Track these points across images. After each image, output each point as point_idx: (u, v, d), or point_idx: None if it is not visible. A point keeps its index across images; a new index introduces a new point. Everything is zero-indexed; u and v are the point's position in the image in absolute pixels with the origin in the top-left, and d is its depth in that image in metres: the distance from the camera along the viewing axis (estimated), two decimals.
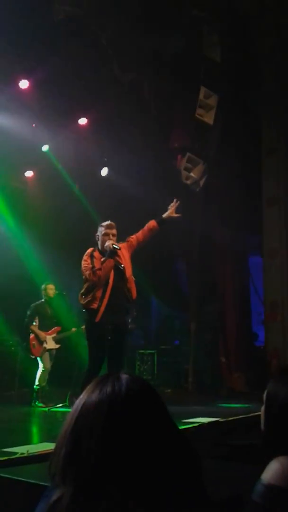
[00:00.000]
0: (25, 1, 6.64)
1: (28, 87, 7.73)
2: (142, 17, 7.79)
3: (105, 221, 5.42)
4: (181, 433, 1.11)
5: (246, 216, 9.90)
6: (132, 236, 5.47)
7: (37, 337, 7.69)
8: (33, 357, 7.69)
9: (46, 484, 1.09)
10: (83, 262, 5.17)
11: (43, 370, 7.57)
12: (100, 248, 5.27)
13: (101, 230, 5.32)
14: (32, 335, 7.72)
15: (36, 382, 7.51)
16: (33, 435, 5.36)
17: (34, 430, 5.85)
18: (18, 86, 7.68)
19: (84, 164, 9.56)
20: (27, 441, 4.40)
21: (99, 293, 5.08)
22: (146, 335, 11.60)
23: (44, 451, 3.34)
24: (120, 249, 5.19)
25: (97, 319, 5.05)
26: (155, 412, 1.08)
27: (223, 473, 2.86)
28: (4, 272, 8.31)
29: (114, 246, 5.12)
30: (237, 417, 5.31)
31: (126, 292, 5.24)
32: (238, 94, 9.19)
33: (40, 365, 7.62)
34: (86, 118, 8.85)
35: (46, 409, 6.93)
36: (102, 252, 5.20)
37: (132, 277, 5.32)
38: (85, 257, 5.18)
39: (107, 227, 5.30)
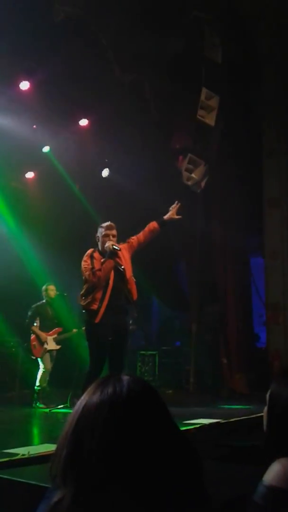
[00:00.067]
0: (25, 1, 6.63)
1: (29, 88, 7.73)
2: (143, 18, 7.79)
3: (106, 222, 5.42)
4: (182, 434, 1.11)
5: (247, 217, 9.90)
6: (132, 237, 5.46)
7: (38, 337, 7.69)
8: (34, 357, 7.69)
9: (47, 485, 1.09)
10: (83, 263, 5.17)
11: (43, 371, 7.57)
12: (100, 249, 5.27)
13: (101, 231, 5.32)
14: (33, 336, 7.72)
15: (37, 383, 7.51)
16: (34, 436, 5.35)
17: (35, 431, 5.84)
18: (19, 87, 7.69)
19: (85, 165, 9.57)
20: (28, 442, 4.40)
21: (99, 294, 5.08)
22: (147, 336, 11.59)
23: (45, 452, 3.34)
24: (120, 250, 5.18)
25: (97, 320, 5.04)
26: (156, 413, 1.07)
27: (225, 475, 2.85)
28: (5, 273, 8.32)
29: (114, 247, 5.11)
30: (238, 418, 5.30)
31: (126, 293, 5.24)
32: (239, 95, 9.19)
33: (41, 366, 7.62)
34: (87, 119, 8.86)
35: (47, 410, 6.93)
36: (102, 253, 5.20)
37: (133, 278, 5.32)
38: (85, 258, 5.18)
39: (107, 228, 5.30)
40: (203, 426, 4.73)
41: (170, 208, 5.60)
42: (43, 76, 7.56)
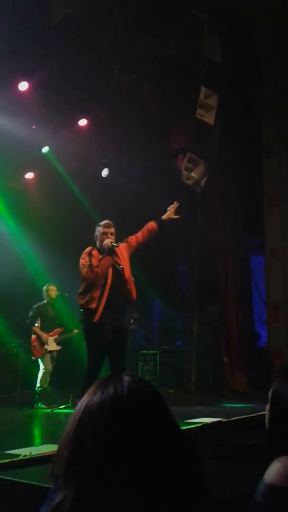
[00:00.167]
0: (23, 2, 6.63)
1: (28, 89, 7.73)
2: (142, 18, 7.79)
3: (104, 221, 5.43)
4: (183, 435, 1.11)
5: (248, 216, 9.91)
6: (131, 237, 5.47)
7: (38, 338, 7.69)
8: (34, 358, 7.69)
9: (48, 486, 1.09)
10: (81, 260, 5.15)
11: (44, 372, 7.57)
12: (98, 247, 5.27)
13: (99, 230, 5.32)
14: (33, 336, 7.72)
15: (38, 384, 7.51)
16: (35, 437, 5.35)
17: (37, 432, 5.84)
18: (18, 88, 7.69)
19: (85, 165, 9.57)
20: (29, 443, 4.39)
21: (97, 293, 5.07)
22: (148, 335, 11.60)
23: (46, 453, 3.34)
24: (118, 246, 5.18)
25: (96, 319, 5.02)
26: (157, 414, 1.07)
27: (226, 474, 2.86)
28: (5, 274, 8.31)
29: (113, 244, 5.12)
30: (240, 417, 5.30)
31: (126, 293, 5.23)
32: (238, 94, 9.20)
33: (41, 366, 7.62)
34: (86, 119, 8.86)
35: (49, 410, 6.93)
36: (101, 251, 5.20)
37: (132, 277, 5.31)
38: (83, 255, 5.17)
39: (105, 226, 5.30)
40: (205, 425, 4.74)
41: (168, 208, 5.60)
42: (42, 77, 7.56)
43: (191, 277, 10.20)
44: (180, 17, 8.25)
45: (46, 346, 7.65)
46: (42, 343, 7.65)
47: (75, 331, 7.77)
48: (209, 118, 8.39)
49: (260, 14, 8.80)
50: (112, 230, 5.28)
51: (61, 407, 6.90)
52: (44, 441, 4.62)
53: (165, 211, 5.63)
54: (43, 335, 7.68)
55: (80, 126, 8.91)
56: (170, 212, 5.58)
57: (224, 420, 5.10)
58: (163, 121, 8.90)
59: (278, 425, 1.54)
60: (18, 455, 3.30)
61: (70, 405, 6.72)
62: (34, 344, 7.69)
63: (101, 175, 9.65)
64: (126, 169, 9.34)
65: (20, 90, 7.72)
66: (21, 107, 7.87)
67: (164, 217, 5.57)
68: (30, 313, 7.79)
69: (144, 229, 5.51)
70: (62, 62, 7.51)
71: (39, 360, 7.64)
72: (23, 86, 7.70)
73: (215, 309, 9.76)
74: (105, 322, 5.05)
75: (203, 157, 8.54)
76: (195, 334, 9.72)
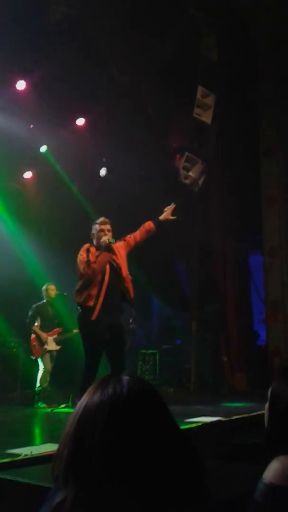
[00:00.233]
0: (21, 1, 6.62)
1: (25, 88, 7.72)
2: (139, 17, 7.79)
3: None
4: (182, 434, 1.11)
5: (246, 215, 9.91)
6: (129, 236, 5.47)
7: (38, 337, 7.69)
8: (34, 357, 7.69)
9: (49, 486, 1.09)
10: (78, 256, 5.14)
11: (43, 371, 7.57)
12: (96, 244, 5.26)
13: (95, 228, 5.33)
14: (33, 336, 7.72)
15: (37, 384, 7.51)
16: (35, 436, 5.36)
17: (37, 431, 5.85)
18: (15, 87, 7.68)
19: (83, 164, 9.56)
20: (30, 442, 4.40)
21: (94, 291, 5.05)
22: (148, 335, 11.60)
23: (47, 452, 3.34)
24: (115, 241, 5.19)
25: (94, 317, 5.01)
26: (156, 413, 1.08)
27: (226, 473, 2.86)
28: (5, 274, 8.31)
29: (110, 240, 5.13)
30: (240, 416, 5.31)
31: (124, 292, 5.23)
32: (235, 94, 9.19)
33: (41, 366, 7.62)
34: (84, 118, 8.85)
35: (49, 410, 6.93)
36: (98, 248, 5.19)
37: (129, 276, 5.31)
38: (81, 251, 5.16)
39: (101, 223, 5.31)
40: (205, 425, 4.75)
41: (165, 209, 5.61)
42: (40, 76, 7.55)
43: (190, 277, 10.21)
44: (177, 16, 8.25)
45: (45, 346, 7.65)
46: (42, 342, 7.66)
47: (75, 331, 7.75)
48: (207, 118, 8.39)
49: (258, 13, 8.80)
50: (109, 227, 5.29)
51: (61, 406, 6.91)
52: (44, 441, 4.63)
53: (163, 210, 5.63)
54: (43, 335, 7.68)
55: (78, 125, 8.90)
56: (167, 213, 5.58)
57: (224, 419, 5.11)
58: (161, 120, 8.89)
59: (277, 424, 1.54)
60: (19, 455, 3.30)
61: (70, 404, 6.74)
62: (34, 343, 7.70)
63: (99, 174, 9.64)
64: (124, 169, 9.34)
65: (17, 90, 7.71)
66: (19, 106, 7.86)
67: (161, 217, 5.57)
68: (30, 313, 7.79)
69: (142, 228, 5.51)
70: (59, 62, 7.50)
71: (39, 359, 7.65)
72: (21, 85, 7.69)
73: (215, 308, 9.76)
74: (102, 320, 5.03)
75: (201, 157, 8.54)
76: (195, 333, 9.73)
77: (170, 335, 11.11)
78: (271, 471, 1.42)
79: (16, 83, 7.65)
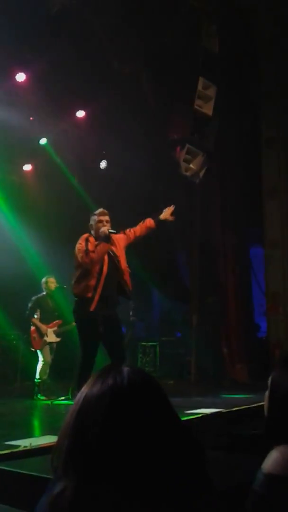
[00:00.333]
0: None
1: (25, 80, 7.70)
2: (140, 8, 7.74)
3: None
4: (183, 425, 1.11)
5: (247, 207, 9.89)
6: (129, 229, 5.46)
7: (38, 330, 7.69)
8: (34, 350, 7.70)
9: (48, 477, 1.09)
10: (77, 245, 5.12)
11: (43, 363, 7.59)
12: (94, 235, 5.23)
13: (94, 219, 5.30)
14: (33, 328, 7.73)
15: (37, 376, 7.53)
16: (35, 428, 5.38)
17: (37, 423, 5.86)
18: (15, 79, 7.64)
19: (83, 157, 9.54)
20: (29, 434, 4.41)
21: (92, 282, 5.03)
22: (148, 327, 11.61)
23: (46, 444, 3.35)
24: (115, 232, 5.17)
25: (92, 308, 4.99)
26: (157, 404, 1.07)
27: (226, 464, 2.86)
28: (4, 266, 8.30)
29: (110, 231, 5.11)
30: (240, 407, 5.32)
31: (122, 284, 5.21)
32: (237, 85, 9.15)
33: (40, 358, 7.63)
34: (84, 110, 8.82)
35: (49, 402, 6.95)
36: (97, 239, 5.16)
37: (128, 269, 5.30)
38: (79, 240, 5.14)
39: (100, 214, 5.29)
40: (205, 416, 4.76)
41: (165, 210, 5.60)
42: (40, 68, 7.52)
43: (191, 269, 10.20)
44: (178, 8, 8.20)
45: (45, 338, 7.66)
46: (42, 334, 7.66)
47: (74, 323, 7.78)
48: (208, 109, 8.35)
49: (258, 4, 8.74)
50: (107, 218, 5.27)
51: (60, 398, 6.92)
52: (44, 433, 4.64)
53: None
54: (43, 327, 7.68)
55: (78, 117, 8.88)
56: (167, 214, 5.58)
57: (224, 410, 5.12)
58: (161, 112, 8.86)
59: (277, 412, 1.54)
60: (18, 446, 3.31)
61: (69, 396, 6.74)
62: (34, 335, 7.70)
63: (99, 166, 9.62)
64: (124, 161, 9.31)
65: (17, 81, 7.68)
66: (19, 98, 7.84)
67: (161, 217, 5.58)
68: (29, 305, 7.79)
69: (142, 224, 5.50)
70: (59, 53, 7.47)
71: (39, 351, 7.66)
72: (21, 77, 7.66)
73: (215, 300, 9.77)
74: (99, 312, 5.01)
75: (202, 148, 8.51)
76: (195, 325, 9.73)
77: (170, 328, 11.13)
78: (270, 461, 1.42)
79: (16, 75, 7.62)
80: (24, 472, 2.65)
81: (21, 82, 7.70)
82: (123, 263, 5.24)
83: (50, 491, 1.03)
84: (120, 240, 5.31)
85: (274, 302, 8.99)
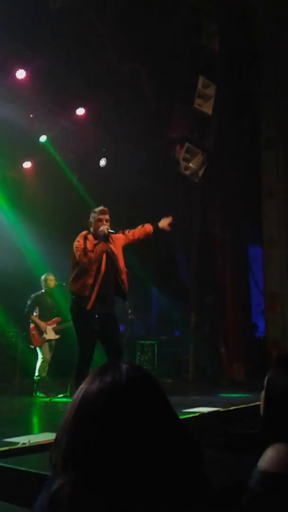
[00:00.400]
0: None
1: (25, 77, 7.67)
2: (140, 6, 7.74)
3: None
4: (181, 423, 1.12)
5: (245, 206, 9.90)
6: (128, 231, 5.45)
7: (37, 327, 7.70)
8: (33, 347, 7.71)
9: (47, 473, 1.10)
10: (75, 243, 5.10)
11: (42, 361, 7.60)
12: (93, 233, 5.22)
13: (94, 216, 5.28)
14: (32, 325, 7.73)
15: (36, 373, 7.54)
16: (34, 425, 5.39)
17: (35, 420, 5.88)
18: (15, 76, 7.63)
19: (82, 154, 9.54)
20: (28, 431, 4.43)
21: (90, 280, 5.02)
22: (147, 325, 11.62)
23: (45, 441, 3.37)
24: (114, 232, 5.16)
25: (89, 306, 4.99)
26: (155, 401, 1.08)
27: (223, 462, 2.88)
28: (4, 263, 8.31)
29: (109, 230, 5.09)
30: (237, 406, 5.34)
31: (119, 283, 5.21)
32: (237, 84, 9.15)
33: (40, 355, 7.64)
34: (84, 108, 8.81)
35: (47, 399, 6.96)
36: (96, 237, 5.14)
37: (125, 268, 5.30)
38: (78, 238, 5.12)
39: (100, 212, 5.26)
40: (202, 415, 4.77)
41: (163, 219, 5.61)
42: (40, 65, 7.50)
43: (190, 268, 10.21)
44: (178, 6, 8.19)
45: (44, 335, 7.67)
46: (41, 332, 7.67)
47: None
48: (207, 108, 8.35)
49: (258, 4, 8.74)
50: (107, 217, 5.25)
51: (59, 396, 6.93)
52: (43, 430, 4.65)
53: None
54: (42, 324, 7.69)
55: (78, 115, 8.86)
56: (164, 223, 5.59)
57: (222, 409, 5.14)
58: (161, 110, 8.86)
59: (273, 412, 1.55)
60: (17, 443, 3.33)
61: (68, 394, 6.75)
62: (33, 333, 7.71)
63: (98, 164, 9.62)
64: (124, 159, 9.31)
65: (17, 78, 7.66)
66: (19, 95, 7.83)
67: (160, 225, 5.59)
68: (28, 302, 7.80)
69: (141, 229, 5.50)
70: (60, 51, 7.46)
71: (38, 349, 7.67)
72: (21, 74, 7.64)
73: (213, 299, 9.78)
74: (96, 310, 5.01)
75: (201, 147, 8.51)
76: (193, 324, 9.75)
77: (168, 326, 11.14)
78: (266, 458, 1.43)
79: (16, 72, 7.61)
80: (23, 469, 2.66)
81: (21, 79, 7.68)
82: (121, 263, 5.23)
83: (49, 487, 1.03)
84: (119, 239, 5.30)
85: (272, 301, 8.99)
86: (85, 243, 5.04)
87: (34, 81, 7.76)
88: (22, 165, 9.58)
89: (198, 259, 9.91)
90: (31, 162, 9.58)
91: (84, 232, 5.20)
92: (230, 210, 9.84)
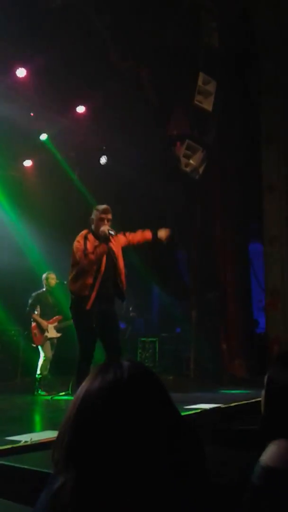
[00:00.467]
0: None
1: (26, 75, 7.68)
2: (140, 3, 7.72)
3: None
4: (183, 419, 1.12)
5: (246, 203, 9.88)
6: (130, 233, 5.43)
7: (38, 325, 7.71)
8: (34, 345, 7.72)
9: (49, 471, 1.10)
10: (75, 243, 5.07)
11: (44, 359, 7.61)
12: (94, 231, 5.21)
13: (96, 214, 5.23)
14: (33, 324, 7.74)
15: (38, 371, 7.55)
16: (36, 423, 5.39)
17: (37, 418, 5.88)
18: (16, 74, 7.63)
19: (83, 152, 9.54)
20: (30, 429, 4.43)
21: (90, 280, 5.01)
22: (148, 323, 11.63)
23: (47, 439, 3.38)
24: (114, 234, 5.13)
25: (89, 306, 4.98)
26: (157, 398, 1.08)
27: (225, 459, 2.88)
28: (5, 262, 8.32)
29: (110, 232, 5.06)
30: (239, 403, 5.35)
31: (118, 283, 5.20)
32: (237, 80, 9.13)
33: (41, 354, 7.66)
34: (84, 106, 8.81)
35: (49, 397, 6.98)
36: (96, 235, 5.12)
37: (124, 269, 5.28)
38: (78, 238, 5.09)
39: (103, 211, 5.21)
40: (204, 411, 4.78)
41: (162, 229, 5.59)
42: (40, 63, 7.50)
43: (191, 265, 10.20)
44: (178, 3, 8.17)
45: (46, 334, 7.68)
46: (42, 330, 7.68)
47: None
48: (208, 105, 8.34)
49: (258, 3, 8.72)
50: (109, 216, 5.21)
51: (61, 394, 6.95)
52: (45, 428, 4.66)
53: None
54: (43, 323, 7.70)
55: (78, 113, 8.86)
56: (162, 234, 5.55)
57: (223, 406, 5.14)
58: (162, 107, 8.84)
59: (273, 409, 1.56)
60: (19, 441, 3.33)
61: (70, 392, 6.76)
62: (34, 331, 7.72)
63: (99, 162, 9.61)
64: (124, 157, 9.30)
65: (18, 77, 7.66)
66: (19, 94, 7.83)
67: (158, 235, 5.55)
68: (30, 301, 7.81)
69: (142, 234, 5.48)
70: (60, 49, 7.45)
71: (39, 347, 7.68)
72: (21, 72, 7.64)
73: (214, 296, 9.77)
74: (96, 310, 5.00)
75: (202, 144, 8.50)
76: (194, 321, 9.74)
77: (170, 323, 11.14)
78: (268, 454, 1.44)
79: (16, 70, 7.60)
80: (25, 467, 2.67)
81: (22, 77, 7.68)
82: (121, 263, 5.21)
83: (51, 485, 1.04)
84: (119, 240, 5.29)
85: (272, 298, 8.99)
86: (85, 243, 5.02)
87: (34, 79, 7.76)
88: (22, 164, 9.58)
89: (198, 256, 9.90)
90: (31, 160, 9.58)
91: (84, 232, 5.17)
92: (231, 206, 9.82)
